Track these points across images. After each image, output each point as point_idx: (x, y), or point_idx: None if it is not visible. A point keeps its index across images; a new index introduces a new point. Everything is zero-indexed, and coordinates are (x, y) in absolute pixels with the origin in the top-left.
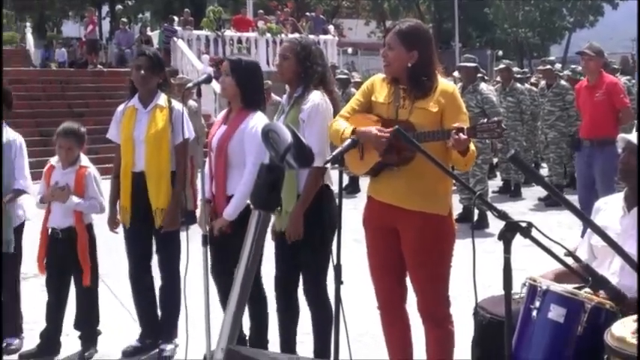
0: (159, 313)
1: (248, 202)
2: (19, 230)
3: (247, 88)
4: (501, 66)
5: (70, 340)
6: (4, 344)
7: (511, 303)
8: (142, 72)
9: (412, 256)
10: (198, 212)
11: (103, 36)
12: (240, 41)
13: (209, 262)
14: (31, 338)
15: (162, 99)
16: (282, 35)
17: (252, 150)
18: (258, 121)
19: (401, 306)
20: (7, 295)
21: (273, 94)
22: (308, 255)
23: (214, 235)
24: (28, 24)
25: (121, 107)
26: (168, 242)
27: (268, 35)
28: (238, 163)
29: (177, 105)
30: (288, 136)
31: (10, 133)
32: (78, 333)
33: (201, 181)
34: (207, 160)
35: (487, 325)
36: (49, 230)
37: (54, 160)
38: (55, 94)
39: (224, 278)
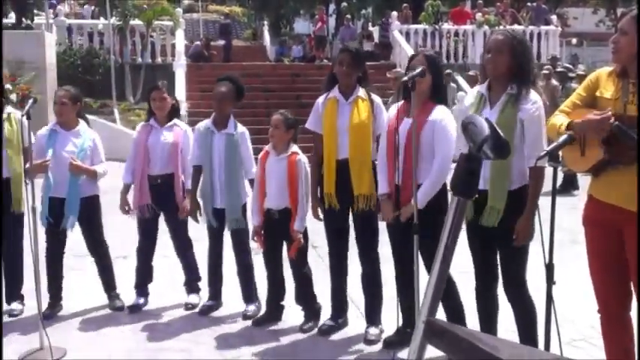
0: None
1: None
2: (245, 208)
3: (438, 82)
4: None
5: (293, 311)
6: (244, 311)
7: None
8: (344, 67)
9: (636, 260)
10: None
11: (329, 32)
12: (457, 34)
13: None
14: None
15: (361, 91)
16: (500, 27)
17: (441, 142)
18: (444, 113)
19: (623, 312)
20: (240, 267)
21: None
22: (509, 250)
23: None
24: (265, 22)
25: (321, 99)
26: (367, 228)
27: (485, 27)
28: (427, 154)
29: (376, 98)
30: (485, 128)
31: (239, 127)
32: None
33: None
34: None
35: None
36: (266, 210)
37: (269, 147)
38: (286, 87)
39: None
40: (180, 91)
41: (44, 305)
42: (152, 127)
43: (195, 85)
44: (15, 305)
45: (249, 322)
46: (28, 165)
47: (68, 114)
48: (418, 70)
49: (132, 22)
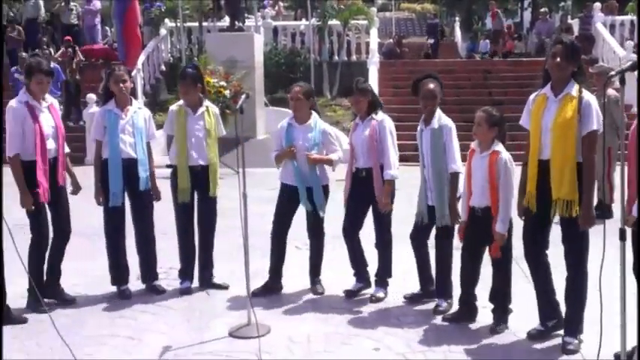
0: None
1: None
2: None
3: None
4: None
5: (487, 311)
6: (436, 306)
7: None
8: (558, 60)
9: None
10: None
11: (524, 26)
12: None
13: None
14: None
15: (574, 88)
16: None
17: None
18: None
19: None
20: (440, 263)
21: None
22: None
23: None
24: (456, 19)
25: (532, 95)
26: (575, 234)
27: None
28: None
29: (587, 95)
30: None
31: (443, 119)
32: (492, 306)
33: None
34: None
35: None
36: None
37: (474, 144)
38: (478, 83)
39: None
40: (373, 87)
41: (260, 284)
42: (357, 123)
43: (388, 81)
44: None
45: (439, 318)
46: (276, 153)
47: (302, 108)
48: (628, 64)
49: (330, 22)
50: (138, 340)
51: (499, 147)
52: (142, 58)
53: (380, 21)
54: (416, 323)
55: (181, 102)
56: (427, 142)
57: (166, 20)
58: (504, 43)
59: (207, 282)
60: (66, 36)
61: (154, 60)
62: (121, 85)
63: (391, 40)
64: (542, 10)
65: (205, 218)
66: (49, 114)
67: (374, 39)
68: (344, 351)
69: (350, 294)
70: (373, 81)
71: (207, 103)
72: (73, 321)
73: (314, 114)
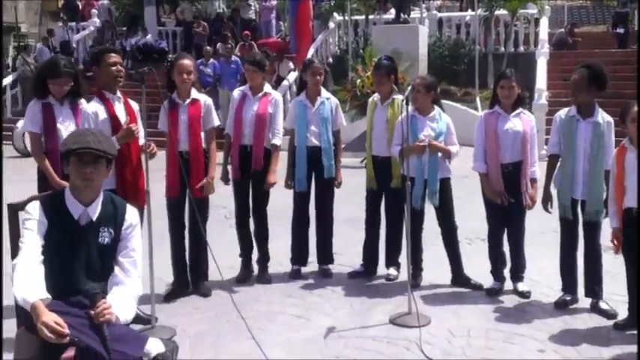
0: None
1: None
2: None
3: None
4: None
5: None
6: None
7: None
8: None
9: None
10: None
11: None
12: None
13: None
14: None
15: None
16: None
17: None
18: None
19: None
20: (589, 263)
21: None
22: None
23: None
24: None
25: None
26: None
27: None
28: None
29: None
30: None
31: (605, 115)
32: None
33: None
34: None
35: None
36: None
37: (627, 142)
38: None
39: None
40: (542, 79)
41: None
42: (499, 114)
43: (557, 73)
44: (392, 270)
45: (603, 322)
46: (405, 147)
47: (421, 101)
48: None
49: (497, 13)
50: (305, 319)
51: None
52: (311, 50)
53: (551, 9)
54: (580, 326)
55: (377, 95)
56: (586, 135)
57: (335, 14)
58: None
59: (394, 263)
60: (245, 30)
61: (322, 52)
62: (318, 77)
63: (563, 30)
64: None
65: (390, 208)
66: (258, 103)
67: (544, 29)
68: (506, 349)
69: (491, 292)
70: (542, 72)
71: (395, 94)
72: (247, 297)
73: (437, 107)
